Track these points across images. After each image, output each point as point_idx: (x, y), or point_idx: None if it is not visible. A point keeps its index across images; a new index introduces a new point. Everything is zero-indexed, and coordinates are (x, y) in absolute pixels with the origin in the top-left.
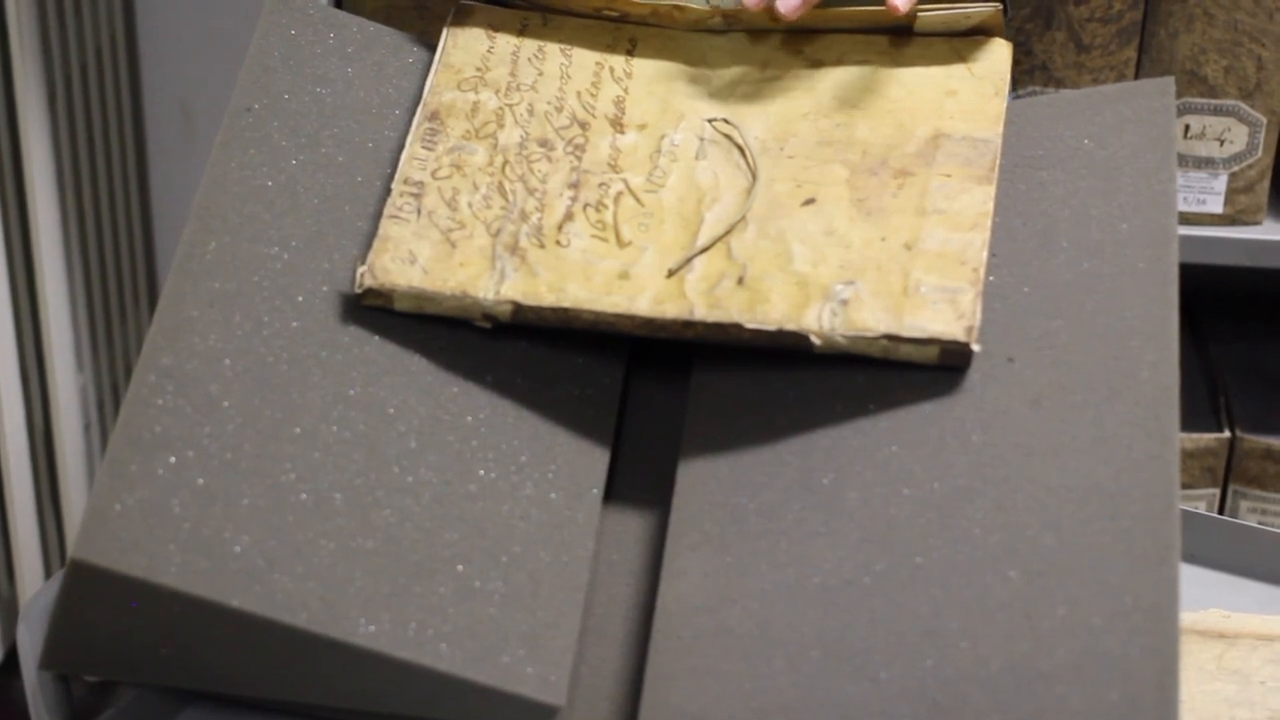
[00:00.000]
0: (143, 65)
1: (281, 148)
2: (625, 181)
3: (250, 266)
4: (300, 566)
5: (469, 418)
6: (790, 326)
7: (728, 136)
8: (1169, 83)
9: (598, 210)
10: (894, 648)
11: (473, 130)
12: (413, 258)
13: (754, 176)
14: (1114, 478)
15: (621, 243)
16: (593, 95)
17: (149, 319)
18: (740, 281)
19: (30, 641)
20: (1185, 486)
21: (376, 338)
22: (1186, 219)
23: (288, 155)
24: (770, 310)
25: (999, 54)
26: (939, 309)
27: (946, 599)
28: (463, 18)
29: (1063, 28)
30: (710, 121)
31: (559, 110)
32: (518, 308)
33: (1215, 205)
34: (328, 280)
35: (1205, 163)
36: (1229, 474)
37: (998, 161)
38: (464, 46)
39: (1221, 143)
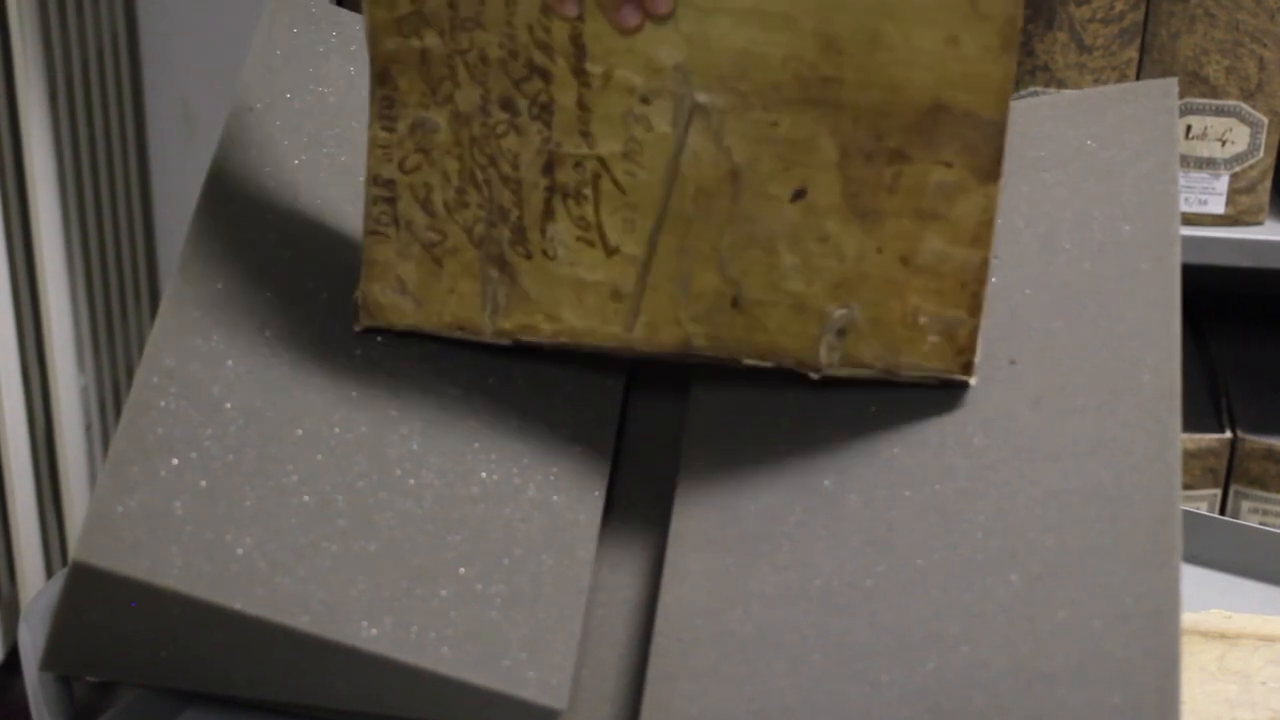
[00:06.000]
0: (144, 64)
1: (284, 147)
2: (600, 159)
3: (253, 267)
4: (302, 569)
5: (471, 420)
6: (788, 363)
7: (703, 107)
8: (1171, 84)
9: (578, 202)
10: (895, 650)
11: (428, 92)
12: (402, 286)
13: (736, 164)
14: (1115, 480)
15: (608, 250)
16: (546, 30)
17: (150, 319)
18: (735, 303)
19: (31, 642)
20: (1186, 487)
21: (379, 339)
22: (1188, 220)
23: (290, 155)
24: (768, 341)
25: None
26: (936, 344)
27: (947, 602)
28: None
29: (1064, 28)
30: (678, 69)
31: (513, 56)
32: (517, 341)
33: (1217, 206)
34: (330, 281)
35: (1207, 163)
36: (1230, 474)
37: (1004, 149)
38: None
39: (1223, 143)
